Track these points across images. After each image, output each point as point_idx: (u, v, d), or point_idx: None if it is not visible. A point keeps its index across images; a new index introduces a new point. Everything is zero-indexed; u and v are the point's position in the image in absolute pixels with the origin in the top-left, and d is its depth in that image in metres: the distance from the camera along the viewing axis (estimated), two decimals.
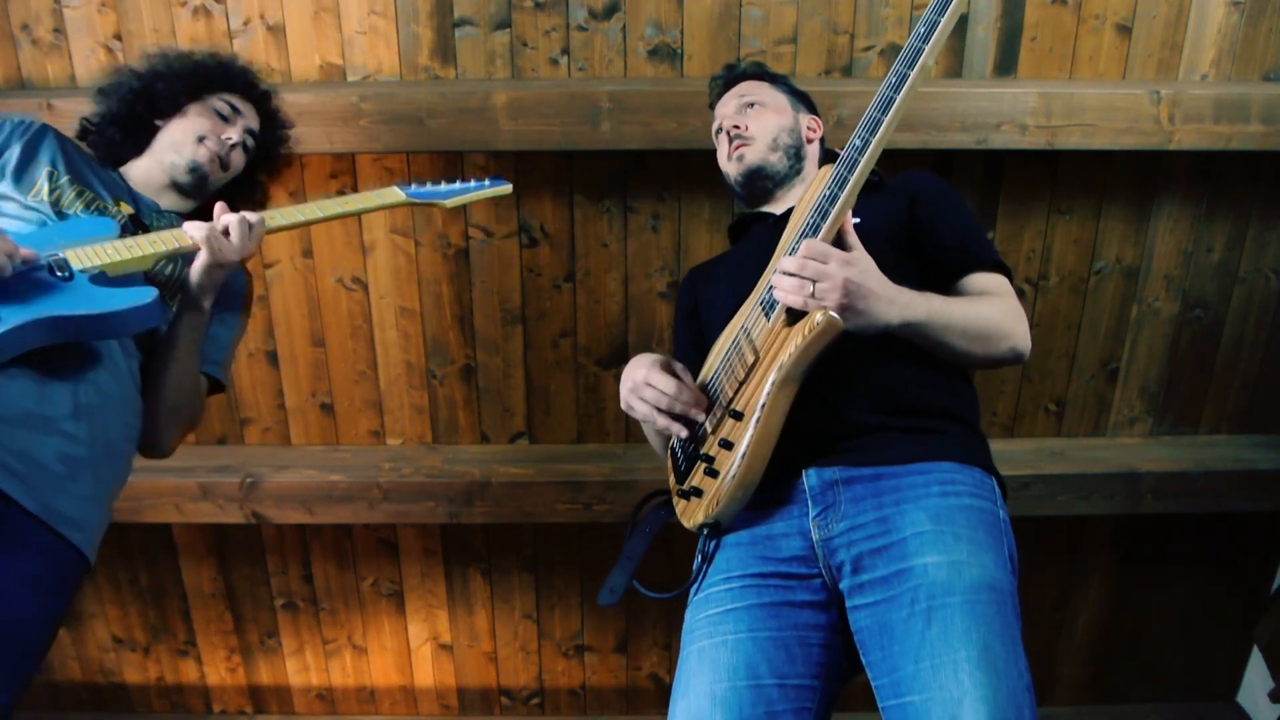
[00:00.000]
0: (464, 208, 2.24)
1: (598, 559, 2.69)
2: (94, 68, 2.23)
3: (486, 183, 1.74)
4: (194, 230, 1.50)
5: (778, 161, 1.67)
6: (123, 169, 1.72)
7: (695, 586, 1.44)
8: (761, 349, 1.35)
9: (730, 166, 1.70)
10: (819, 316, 1.26)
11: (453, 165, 2.30)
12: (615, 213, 2.36)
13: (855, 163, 1.26)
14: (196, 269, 1.51)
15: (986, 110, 2.12)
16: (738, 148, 1.67)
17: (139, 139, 1.71)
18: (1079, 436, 2.57)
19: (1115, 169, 2.30)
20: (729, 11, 2.18)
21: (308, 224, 1.64)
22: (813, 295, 1.26)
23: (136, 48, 2.21)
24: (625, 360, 2.45)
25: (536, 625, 2.79)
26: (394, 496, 2.46)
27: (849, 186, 1.26)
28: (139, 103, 1.70)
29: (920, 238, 1.54)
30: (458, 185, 1.73)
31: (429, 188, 1.72)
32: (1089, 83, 2.19)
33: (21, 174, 1.54)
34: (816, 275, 1.26)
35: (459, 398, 2.54)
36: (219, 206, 1.55)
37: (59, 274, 1.38)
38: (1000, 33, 2.19)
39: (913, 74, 1.21)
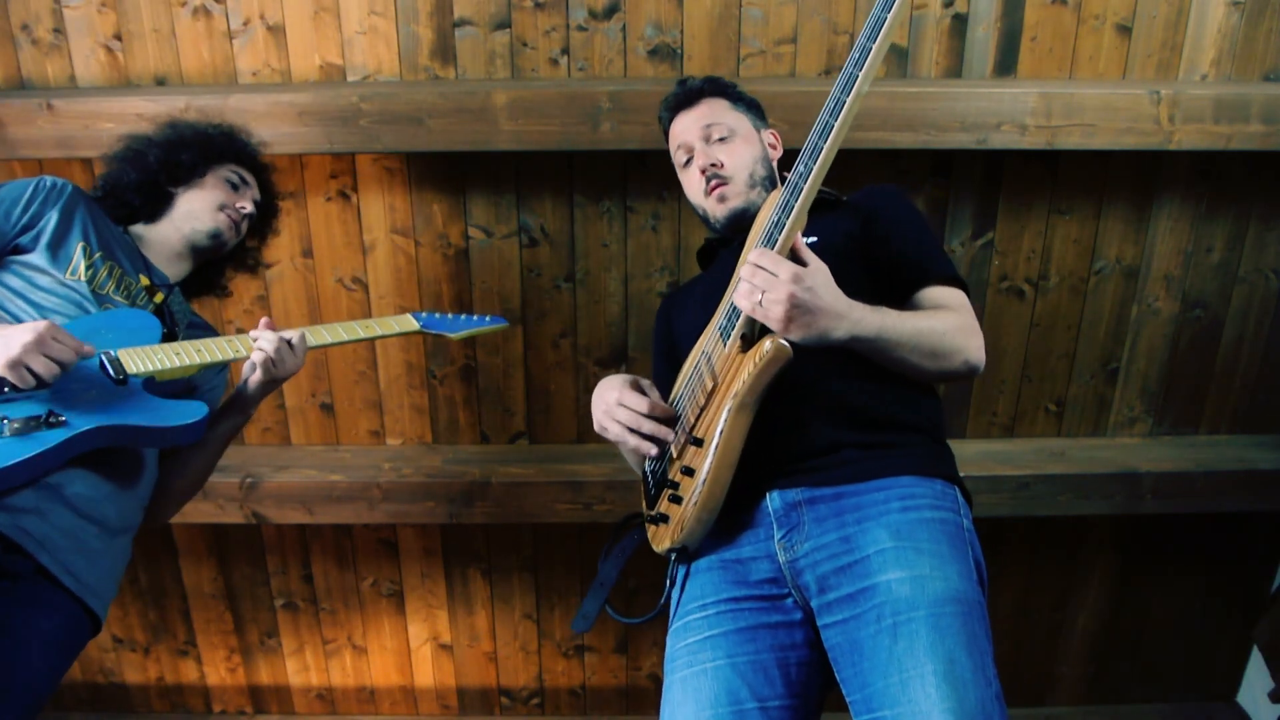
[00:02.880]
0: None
1: (598, 559, 2.69)
2: (94, 68, 2.23)
3: (488, 319, 1.94)
4: (256, 354, 1.60)
5: (757, 197, 1.66)
6: (134, 230, 1.79)
7: (672, 614, 1.47)
8: (719, 375, 1.39)
9: (711, 206, 1.67)
10: (767, 344, 1.29)
11: (453, 166, 2.31)
12: (615, 213, 2.36)
13: (799, 189, 1.27)
14: (254, 384, 1.64)
15: (986, 110, 2.12)
16: (716, 188, 1.65)
17: (155, 205, 1.79)
18: (1079, 436, 2.57)
19: (1115, 169, 2.30)
20: (729, 11, 2.17)
21: (333, 345, 1.76)
22: (760, 303, 1.29)
23: (136, 48, 2.21)
24: (625, 360, 2.46)
25: (536, 625, 2.79)
26: (394, 496, 2.46)
27: (794, 214, 1.28)
28: (162, 171, 1.77)
29: (876, 253, 1.55)
30: (462, 319, 1.91)
31: (438, 318, 1.90)
32: (1089, 83, 2.19)
33: (57, 247, 1.60)
34: (765, 285, 1.28)
35: (459, 398, 2.54)
36: (262, 324, 1.64)
37: (112, 373, 1.47)
38: (1000, 33, 2.19)
39: (849, 100, 1.22)
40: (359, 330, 1.78)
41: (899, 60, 2.22)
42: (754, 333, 1.36)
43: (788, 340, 1.30)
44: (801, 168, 1.27)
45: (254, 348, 1.61)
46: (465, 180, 2.33)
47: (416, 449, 2.57)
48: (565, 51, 2.22)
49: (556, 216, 2.36)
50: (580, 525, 2.59)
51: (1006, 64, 2.22)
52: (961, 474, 1.50)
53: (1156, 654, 2.83)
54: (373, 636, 2.81)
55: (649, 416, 1.45)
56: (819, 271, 1.31)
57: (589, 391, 2.51)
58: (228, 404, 1.72)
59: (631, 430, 1.46)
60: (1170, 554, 2.69)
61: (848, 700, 1.29)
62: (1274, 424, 2.54)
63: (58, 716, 2.92)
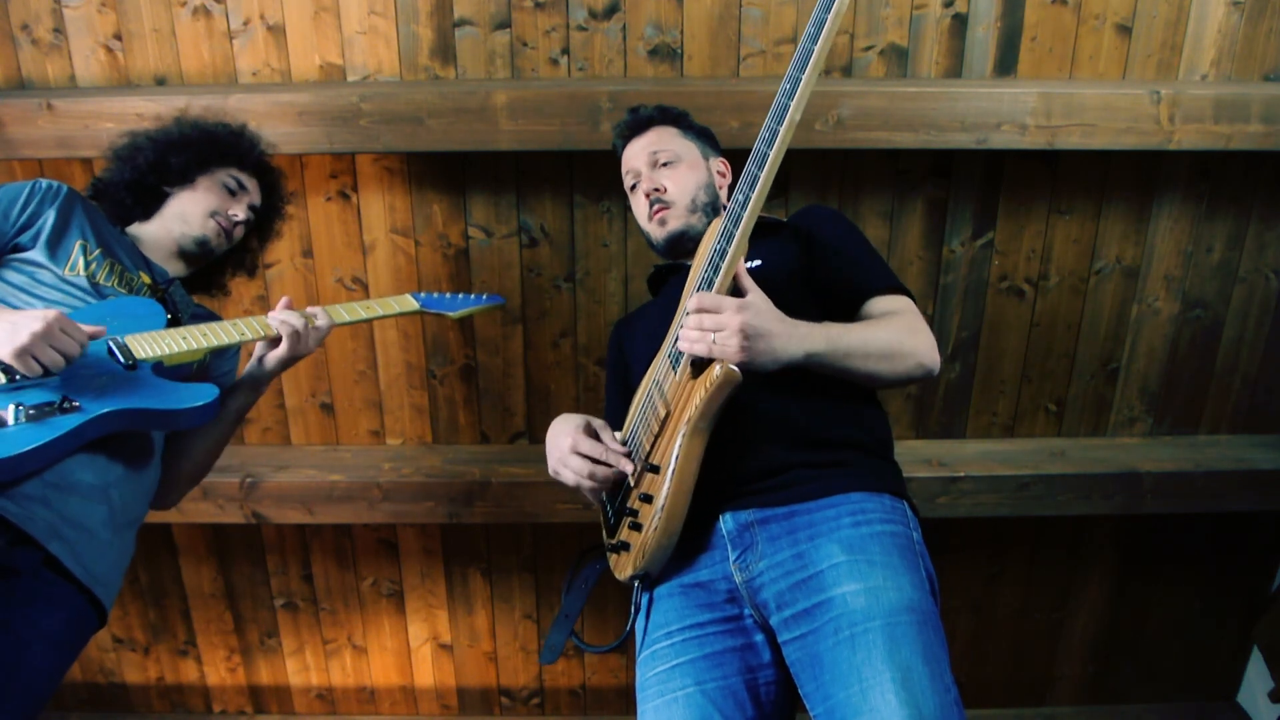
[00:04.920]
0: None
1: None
2: (94, 68, 2.23)
3: (485, 297, 1.99)
4: (281, 327, 1.63)
5: (698, 222, 1.69)
6: (131, 230, 1.80)
7: (638, 642, 1.49)
8: (672, 402, 1.40)
9: (653, 229, 1.72)
10: (717, 370, 1.30)
11: (453, 166, 2.31)
12: (615, 213, 2.36)
13: (739, 217, 1.30)
14: (274, 359, 1.65)
15: (986, 110, 2.12)
16: (658, 211, 1.69)
17: (148, 204, 1.79)
18: (1079, 436, 2.57)
19: (1115, 169, 2.30)
20: (729, 11, 2.18)
21: (336, 326, 1.77)
22: (715, 343, 1.31)
23: (136, 48, 2.22)
24: None
25: (536, 625, 2.79)
26: (394, 496, 2.46)
27: (735, 242, 1.31)
28: (153, 172, 1.77)
29: (818, 272, 1.58)
30: (460, 298, 1.96)
31: (437, 298, 1.93)
32: (1089, 83, 2.19)
33: (56, 244, 1.61)
34: (714, 326, 1.30)
35: (459, 398, 2.54)
36: (283, 303, 1.65)
37: (121, 359, 1.48)
38: (1000, 33, 2.19)
39: (782, 130, 1.24)
40: (360, 311, 1.78)
41: (899, 60, 2.22)
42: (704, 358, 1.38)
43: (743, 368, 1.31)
44: (740, 196, 1.30)
45: (278, 321, 1.63)
46: (465, 180, 2.33)
47: (416, 449, 2.57)
48: (565, 51, 2.22)
49: (556, 216, 2.36)
50: (580, 525, 2.59)
51: (1006, 64, 2.22)
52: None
53: (1156, 654, 2.83)
54: (373, 636, 2.81)
55: (601, 462, 1.46)
56: (758, 299, 1.34)
57: (589, 391, 2.53)
58: (240, 381, 1.72)
59: (588, 477, 1.47)
60: (1170, 554, 2.69)
61: (812, 715, 1.31)
62: (1274, 424, 2.54)
63: (58, 716, 2.92)
